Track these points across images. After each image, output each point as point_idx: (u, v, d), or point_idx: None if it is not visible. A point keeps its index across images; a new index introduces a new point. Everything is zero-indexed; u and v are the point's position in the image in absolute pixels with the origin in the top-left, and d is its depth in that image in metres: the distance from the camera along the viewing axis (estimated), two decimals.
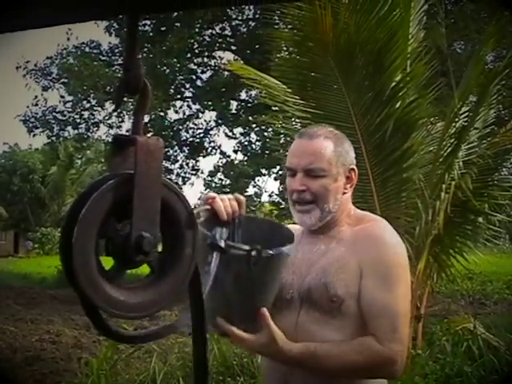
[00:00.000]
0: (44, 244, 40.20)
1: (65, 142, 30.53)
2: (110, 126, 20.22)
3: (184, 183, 20.34)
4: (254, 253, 1.81)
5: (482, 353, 6.24)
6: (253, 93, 18.01)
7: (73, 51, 19.97)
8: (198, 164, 20.87)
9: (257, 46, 16.57)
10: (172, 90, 19.32)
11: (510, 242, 9.71)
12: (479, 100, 6.11)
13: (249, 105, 19.52)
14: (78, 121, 19.90)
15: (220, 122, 20.28)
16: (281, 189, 18.18)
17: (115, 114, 19.57)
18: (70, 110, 19.83)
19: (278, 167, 17.15)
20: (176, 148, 19.89)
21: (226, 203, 1.97)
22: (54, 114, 20.00)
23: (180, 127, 20.18)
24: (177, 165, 20.27)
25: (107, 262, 0.91)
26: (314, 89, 6.02)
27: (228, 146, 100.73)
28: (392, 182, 5.80)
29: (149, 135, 0.92)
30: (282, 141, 7.10)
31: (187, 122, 20.40)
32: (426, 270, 6.00)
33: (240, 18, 19.10)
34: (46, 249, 39.45)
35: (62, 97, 19.90)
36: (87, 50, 20.01)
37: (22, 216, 44.68)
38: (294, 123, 6.32)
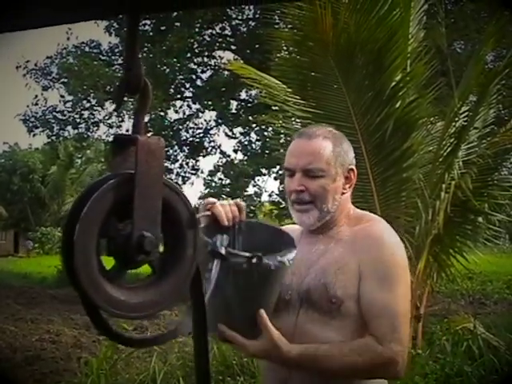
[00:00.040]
0: (44, 243, 40.20)
1: (65, 142, 30.55)
2: (110, 126, 20.23)
3: (184, 183, 20.35)
4: (254, 260, 1.81)
5: (482, 352, 6.24)
6: (253, 92, 18.03)
7: (73, 51, 19.98)
8: (197, 164, 20.90)
9: (257, 46, 16.57)
10: (172, 90, 19.32)
11: (509, 241, 9.71)
12: (479, 100, 6.11)
13: (249, 104, 19.52)
14: (78, 120, 19.91)
15: (220, 121, 20.29)
16: (281, 188, 18.17)
17: (115, 113, 19.57)
18: (69, 109, 19.84)
19: (278, 167, 17.13)
20: (176, 148, 19.89)
21: (226, 209, 1.97)
22: (54, 113, 20.01)
23: (180, 127, 20.18)
24: (177, 164, 20.29)
25: (108, 262, 0.91)
26: (314, 88, 6.02)
27: (228, 145, 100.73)
28: (392, 182, 5.81)
29: (149, 135, 0.92)
30: (282, 140, 7.10)
31: (187, 122, 20.40)
32: (426, 269, 6.00)
33: (240, 17, 19.11)
34: (46, 248, 39.46)
35: (62, 96, 19.93)
36: (87, 49, 20.01)
37: (22, 215, 44.69)
38: (294, 123, 6.32)
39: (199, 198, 19.65)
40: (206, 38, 19.54)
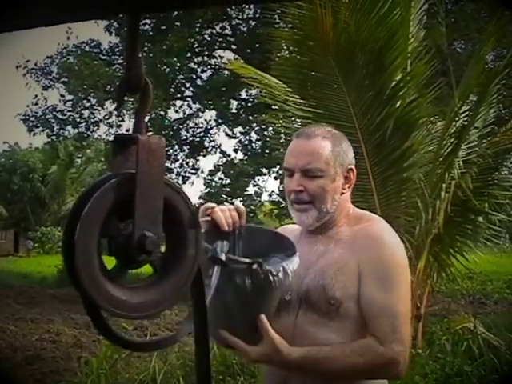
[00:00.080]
0: (44, 243, 40.19)
1: (65, 141, 30.50)
2: (110, 125, 20.23)
3: (184, 182, 20.34)
4: (255, 266, 1.81)
5: (482, 352, 6.24)
6: (253, 92, 18.02)
7: (73, 50, 19.97)
8: (198, 163, 20.90)
9: (257, 46, 16.57)
10: (172, 90, 19.31)
11: (510, 241, 9.70)
12: (479, 99, 6.11)
13: (249, 104, 19.52)
14: (78, 120, 19.91)
15: (220, 121, 20.29)
16: (281, 188, 18.15)
17: (115, 113, 19.57)
18: (70, 109, 19.84)
19: (278, 166, 17.12)
20: (176, 147, 19.89)
21: (226, 214, 1.97)
22: (54, 113, 20.01)
23: (180, 126, 20.19)
24: (177, 164, 20.29)
25: (110, 262, 0.91)
26: (315, 88, 6.02)
27: (228, 145, 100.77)
28: (392, 182, 5.80)
29: (149, 134, 0.91)
30: (282, 140, 7.09)
31: (187, 122, 20.40)
32: (426, 269, 6.00)
33: (240, 17, 19.11)
34: (46, 248, 39.44)
35: (62, 96, 19.92)
36: (87, 49, 20.00)
37: (22, 215, 44.68)
38: (294, 122, 6.32)
39: (199, 198, 19.66)
40: (206, 38, 19.54)
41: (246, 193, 20.11)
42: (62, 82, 19.85)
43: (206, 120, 20.94)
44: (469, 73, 6.17)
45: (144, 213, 0.88)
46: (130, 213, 0.88)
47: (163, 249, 0.94)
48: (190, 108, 20.36)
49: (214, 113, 20.22)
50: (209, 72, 19.94)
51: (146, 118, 0.94)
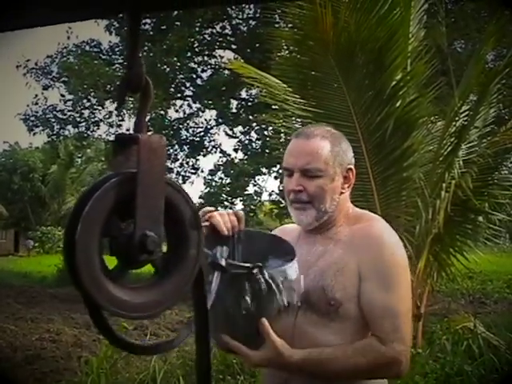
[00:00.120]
0: (44, 243, 40.15)
1: (65, 141, 30.48)
2: (110, 125, 20.22)
3: (184, 182, 20.33)
4: (255, 270, 1.81)
5: (482, 352, 6.24)
6: (253, 92, 18.01)
7: (73, 50, 19.96)
8: (198, 163, 20.86)
9: (257, 45, 16.57)
10: (172, 89, 19.31)
11: (510, 241, 9.70)
12: (479, 99, 6.12)
13: (249, 104, 19.51)
14: (79, 119, 19.89)
15: (220, 120, 20.28)
16: (281, 187, 18.11)
17: (115, 112, 19.56)
18: (70, 108, 19.83)
19: (278, 166, 17.10)
20: (176, 147, 19.87)
21: (225, 218, 1.98)
22: (54, 112, 20.00)
23: (180, 126, 20.18)
24: (177, 163, 20.27)
25: (111, 262, 0.91)
26: (315, 88, 6.02)
27: (228, 144, 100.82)
28: (392, 181, 5.81)
29: (150, 133, 0.91)
30: (282, 140, 7.10)
31: (187, 121, 20.39)
32: (426, 268, 6.01)
33: (240, 16, 19.11)
34: (47, 247, 39.40)
35: (63, 95, 19.91)
36: (87, 48, 19.99)
37: (22, 215, 44.64)
38: (294, 122, 6.32)
39: (199, 197, 19.65)
40: (207, 37, 19.53)
41: (246, 192, 20.10)
42: (62, 82, 19.84)
43: (206, 119, 20.93)
44: (469, 72, 6.17)
45: (145, 212, 0.88)
46: (131, 212, 0.88)
47: (165, 249, 0.94)
48: (190, 107, 20.37)
49: (214, 112, 20.23)
50: (209, 72, 19.95)
51: (147, 118, 0.94)
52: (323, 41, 5.50)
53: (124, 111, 19.16)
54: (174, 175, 19.66)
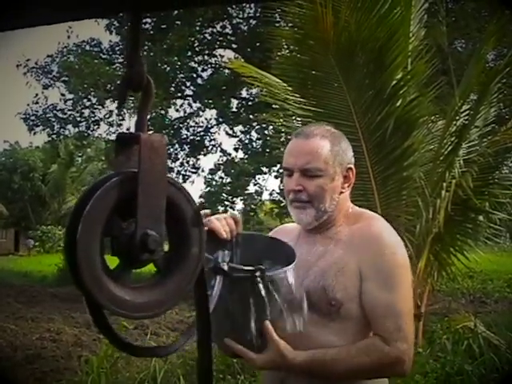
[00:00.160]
0: (44, 242, 40.14)
1: (65, 140, 30.46)
2: (111, 124, 20.21)
3: (184, 181, 20.31)
4: (258, 273, 1.80)
5: (482, 351, 6.24)
6: (253, 91, 17.99)
7: (73, 49, 19.95)
8: (198, 162, 20.85)
9: (257, 44, 16.56)
10: (172, 89, 19.30)
11: (510, 240, 9.69)
12: (480, 98, 6.11)
13: (249, 103, 19.50)
14: (79, 119, 19.88)
15: (221, 120, 20.27)
16: (281, 187, 18.11)
17: (116, 112, 19.56)
18: (70, 108, 19.82)
19: (279, 165, 17.11)
20: (176, 146, 19.87)
21: (222, 222, 1.97)
22: (54, 112, 19.98)
23: (181, 125, 20.17)
24: (177, 163, 20.26)
25: (113, 262, 0.91)
26: (315, 87, 6.02)
27: (228, 144, 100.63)
28: (393, 181, 5.81)
29: (151, 132, 0.91)
30: (282, 139, 7.10)
31: (188, 120, 20.38)
32: (427, 268, 6.01)
33: (241, 16, 19.09)
34: (47, 247, 39.38)
35: (63, 95, 19.90)
36: (88, 48, 19.98)
37: (22, 214, 44.63)
38: (294, 121, 6.32)
39: (200, 197, 19.66)
40: (207, 37, 19.52)
41: (246, 192, 20.10)
42: (62, 81, 19.83)
43: (206, 119, 20.87)
44: (469, 72, 6.17)
45: (146, 211, 0.88)
46: (132, 211, 0.88)
47: (166, 248, 0.94)
48: (191, 107, 20.36)
49: (214, 112, 20.21)
50: (209, 71, 19.94)
51: (147, 117, 0.94)
52: (323, 40, 5.50)
53: (124, 110, 19.16)
54: (174, 174, 19.65)
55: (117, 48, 19.68)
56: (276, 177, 19.73)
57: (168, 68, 18.39)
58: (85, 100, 19.59)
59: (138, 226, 0.88)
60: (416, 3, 6.07)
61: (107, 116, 19.97)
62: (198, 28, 18.46)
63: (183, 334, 1.09)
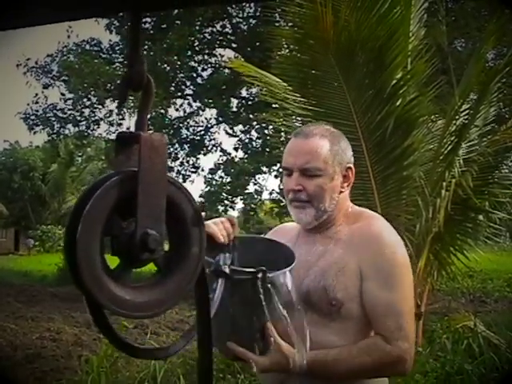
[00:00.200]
0: (44, 242, 40.15)
1: (65, 140, 30.44)
2: (111, 124, 20.21)
3: (184, 181, 20.29)
4: (260, 274, 1.80)
5: (482, 351, 6.24)
6: (253, 90, 17.98)
7: (73, 49, 19.95)
8: (198, 162, 20.84)
9: (257, 44, 16.56)
10: (172, 88, 19.30)
11: (510, 239, 9.69)
12: (480, 98, 6.11)
13: (249, 102, 19.50)
14: (79, 118, 19.87)
15: (220, 119, 20.26)
16: (281, 186, 18.09)
17: (116, 111, 19.56)
18: (70, 107, 19.81)
19: (279, 165, 17.09)
20: (176, 145, 19.86)
21: (220, 226, 1.97)
22: (54, 111, 19.98)
23: (180, 125, 20.17)
24: (177, 162, 20.26)
25: (113, 262, 0.91)
26: (315, 86, 6.01)
27: (228, 143, 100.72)
28: (392, 180, 5.80)
29: (151, 132, 0.91)
30: (282, 138, 7.09)
31: (188, 120, 20.38)
32: (427, 267, 6.01)
33: (240, 15, 19.08)
34: (47, 246, 39.40)
35: (63, 94, 19.90)
36: (88, 47, 19.97)
37: (22, 214, 44.65)
38: (294, 121, 6.31)
39: (200, 196, 19.65)
40: (207, 36, 19.52)
41: (246, 191, 20.11)
42: (62, 81, 19.83)
43: (206, 118, 20.86)
44: (469, 71, 6.17)
45: (146, 210, 0.88)
46: (132, 211, 0.88)
47: (167, 247, 0.93)
48: (191, 106, 20.37)
49: (214, 111, 20.21)
50: (209, 70, 19.93)
51: (148, 116, 0.94)
52: (323, 39, 5.50)
53: (124, 110, 19.16)
54: (174, 174, 19.63)
55: (117, 47, 19.68)
56: (276, 176, 19.75)
57: (168, 67, 18.39)
58: (85, 99, 19.58)
59: (138, 225, 0.87)
60: (416, 3, 6.07)
61: (107, 115, 19.99)
62: (197, 27, 18.46)
63: (183, 336, 1.09)
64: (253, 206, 20.74)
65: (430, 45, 5.97)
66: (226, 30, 19.65)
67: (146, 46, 17.31)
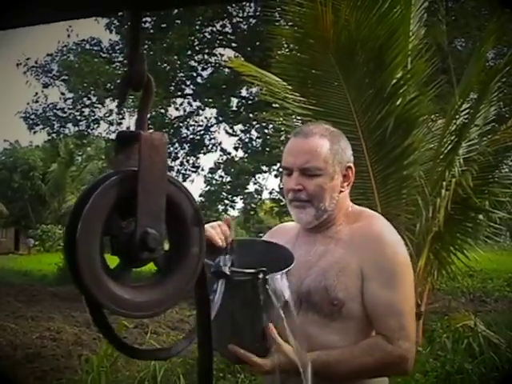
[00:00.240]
0: (44, 241, 40.15)
1: (65, 139, 30.52)
2: (111, 123, 20.22)
3: (184, 180, 20.29)
4: (261, 275, 1.80)
5: (482, 350, 6.24)
6: (253, 90, 17.98)
7: (73, 48, 19.95)
8: (198, 161, 20.85)
9: (257, 43, 16.56)
10: (172, 87, 19.30)
11: (510, 239, 9.70)
12: (480, 97, 6.11)
13: (249, 102, 19.50)
14: (79, 118, 19.88)
15: (220, 119, 20.26)
16: (281, 186, 18.08)
17: (115, 110, 19.56)
18: (70, 106, 19.81)
19: (279, 164, 17.08)
20: (176, 145, 19.87)
21: (217, 230, 1.97)
22: (54, 110, 19.98)
23: (180, 124, 20.17)
24: (177, 162, 20.26)
25: (113, 262, 0.90)
26: (315, 86, 6.01)
27: (228, 143, 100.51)
28: (393, 179, 5.80)
29: (151, 131, 0.91)
30: (282, 138, 7.10)
31: (188, 119, 20.38)
32: (427, 267, 6.00)
33: (240, 15, 19.08)
34: (47, 246, 39.39)
35: (63, 94, 19.91)
36: (88, 47, 19.97)
37: (22, 213, 44.65)
38: (294, 120, 6.31)
39: (200, 196, 19.66)
40: (207, 36, 19.52)
41: (246, 191, 20.12)
42: (62, 80, 19.83)
43: (206, 118, 20.86)
44: (469, 71, 6.17)
45: (146, 210, 0.88)
46: (132, 210, 0.87)
47: (166, 247, 0.93)
48: (191, 106, 20.37)
49: (214, 111, 20.20)
50: (209, 70, 19.93)
51: (148, 115, 0.94)
52: (323, 39, 5.50)
53: (124, 109, 19.16)
54: (174, 173, 19.63)
55: (117, 47, 19.68)
56: (276, 176, 19.77)
57: (168, 67, 18.38)
58: (85, 99, 19.59)
59: (137, 224, 0.87)
60: (416, 2, 6.07)
61: (107, 115, 19.99)
62: (197, 27, 18.46)
63: (185, 338, 1.08)
64: (253, 205, 20.76)
65: (430, 44, 5.97)
66: (226, 29, 19.65)
67: (146, 46, 17.30)
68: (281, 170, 2.56)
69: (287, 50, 6.65)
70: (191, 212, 0.94)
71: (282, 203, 18.11)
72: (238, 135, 20.45)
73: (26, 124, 20.05)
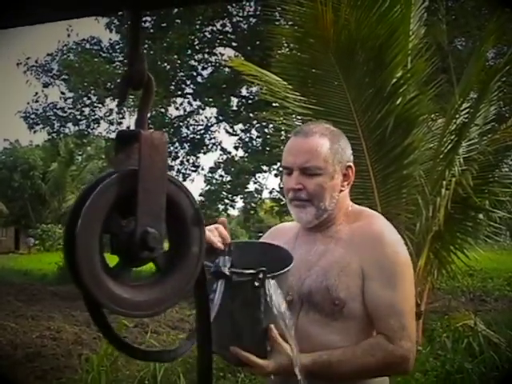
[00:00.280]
0: (45, 240, 40.16)
1: (65, 139, 30.50)
2: (111, 123, 20.20)
3: (184, 180, 20.28)
4: (260, 275, 1.80)
5: (482, 349, 6.24)
6: (253, 89, 17.97)
7: (73, 48, 19.94)
8: (198, 160, 20.83)
9: (257, 43, 16.55)
10: (173, 87, 19.29)
11: (510, 238, 9.70)
12: (480, 97, 6.11)
13: (249, 101, 19.49)
14: (79, 117, 19.87)
15: (221, 118, 20.25)
16: (281, 185, 18.05)
17: (116, 110, 19.56)
18: (70, 106, 19.80)
19: (279, 163, 17.06)
20: (177, 144, 19.86)
21: (215, 233, 1.96)
22: (54, 110, 19.97)
23: (181, 124, 20.16)
24: (177, 161, 20.25)
25: (112, 261, 0.90)
26: (315, 85, 6.01)
27: (229, 142, 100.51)
28: (393, 179, 5.80)
29: (151, 130, 0.91)
30: (282, 137, 7.09)
31: (188, 119, 20.38)
32: (427, 266, 6.00)
33: (241, 14, 19.07)
34: (47, 245, 39.40)
35: (63, 93, 19.89)
36: (88, 46, 19.96)
37: (22, 212, 44.66)
38: (294, 120, 6.31)
39: (200, 195, 19.66)
40: (207, 35, 19.50)
41: (246, 190, 20.12)
42: (62, 80, 19.82)
43: (206, 117, 20.84)
44: (469, 70, 6.17)
45: (146, 209, 0.87)
46: (131, 209, 0.87)
47: (166, 246, 0.93)
48: (191, 105, 20.36)
49: (214, 110, 20.19)
50: (209, 69, 19.92)
51: (148, 115, 0.94)
52: (323, 38, 5.49)
53: (124, 109, 19.15)
54: (174, 173, 19.62)
55: (117, 46, 19.67)
56: (276, 175, 19.76)
57: (168, 66, 18.38)
58: (85, 98, 19.58)
59: (137, 223, 0.87)
60: (416, 1, 6.07)
61: (107, 114, 19.99)
62: (198, 26, 18.44)
63: (189, 338, 1.08)
64: (253, 204, 20.76)
65: (430, 43, 5.97)
66: (226, 28, 19.64)
67: (146, 45, 17.29)
68: (281, 169, 2.56)
69: (287, 50, 6.65)
70: (191, 211, 0.94)
71: (282, 202, 18.11)
72: (238, 135, 20.44)
73: (26, 123, 20.05)
